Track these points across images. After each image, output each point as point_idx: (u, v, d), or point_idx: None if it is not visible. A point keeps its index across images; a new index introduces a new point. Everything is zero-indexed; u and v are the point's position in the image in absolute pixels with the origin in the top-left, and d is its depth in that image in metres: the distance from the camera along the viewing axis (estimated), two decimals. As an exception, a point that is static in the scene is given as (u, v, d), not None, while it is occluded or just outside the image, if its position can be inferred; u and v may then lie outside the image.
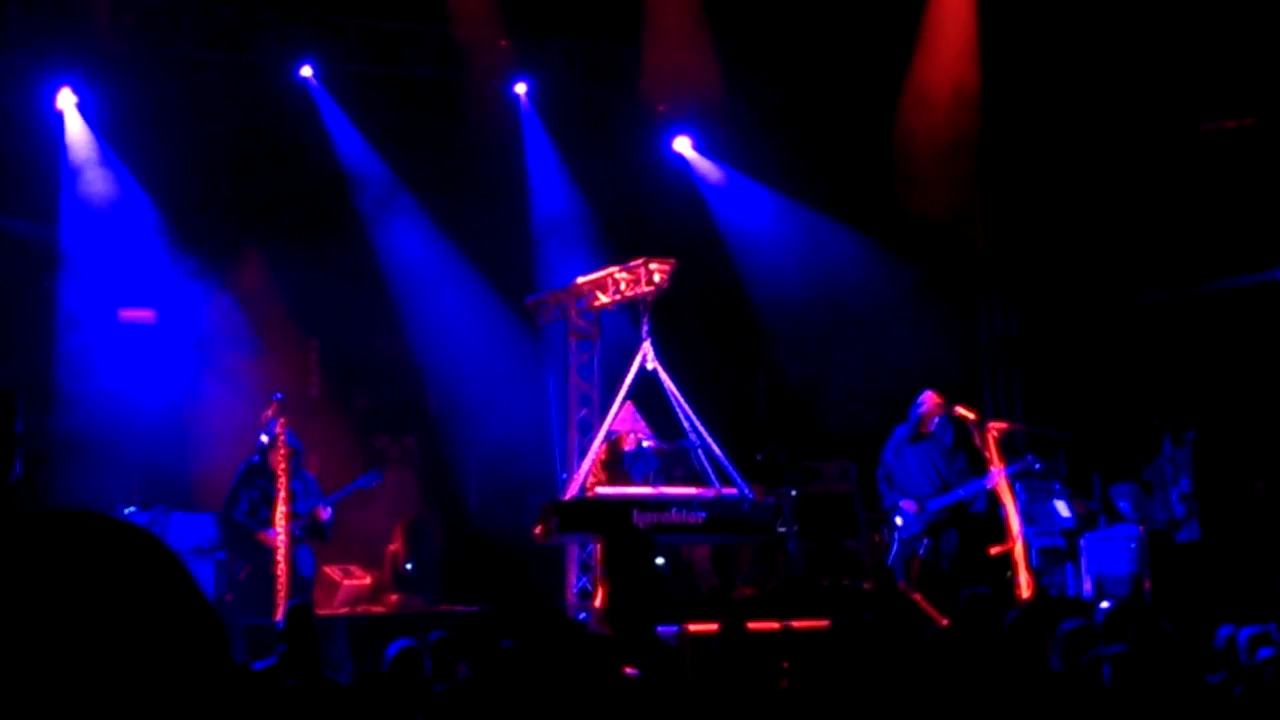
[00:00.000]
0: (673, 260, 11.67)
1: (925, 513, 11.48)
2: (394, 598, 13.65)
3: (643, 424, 12.55)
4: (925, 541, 11.47)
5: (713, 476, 11.50)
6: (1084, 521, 13.01)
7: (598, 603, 11.68)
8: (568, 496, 11.26)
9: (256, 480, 11.37)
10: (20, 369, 13.19)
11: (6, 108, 13.49)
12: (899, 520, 11.68)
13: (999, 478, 11.39)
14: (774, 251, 16.12)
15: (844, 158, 15.66)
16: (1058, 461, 13.62)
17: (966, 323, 16.51)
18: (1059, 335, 15.57)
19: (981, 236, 16.05)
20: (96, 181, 14.04)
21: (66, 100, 13.85)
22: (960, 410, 11.68)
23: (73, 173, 13.97)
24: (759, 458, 13.99)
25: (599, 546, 11.70)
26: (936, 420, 11.60)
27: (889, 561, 12.06)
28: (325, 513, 11.48)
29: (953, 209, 15.39)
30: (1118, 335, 14.88)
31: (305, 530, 11.39)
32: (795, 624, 9.72)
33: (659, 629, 9.11)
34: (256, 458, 11.45)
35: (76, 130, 13.98)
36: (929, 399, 11.68)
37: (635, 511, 10.83)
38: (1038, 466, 11.99)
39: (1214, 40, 13.55)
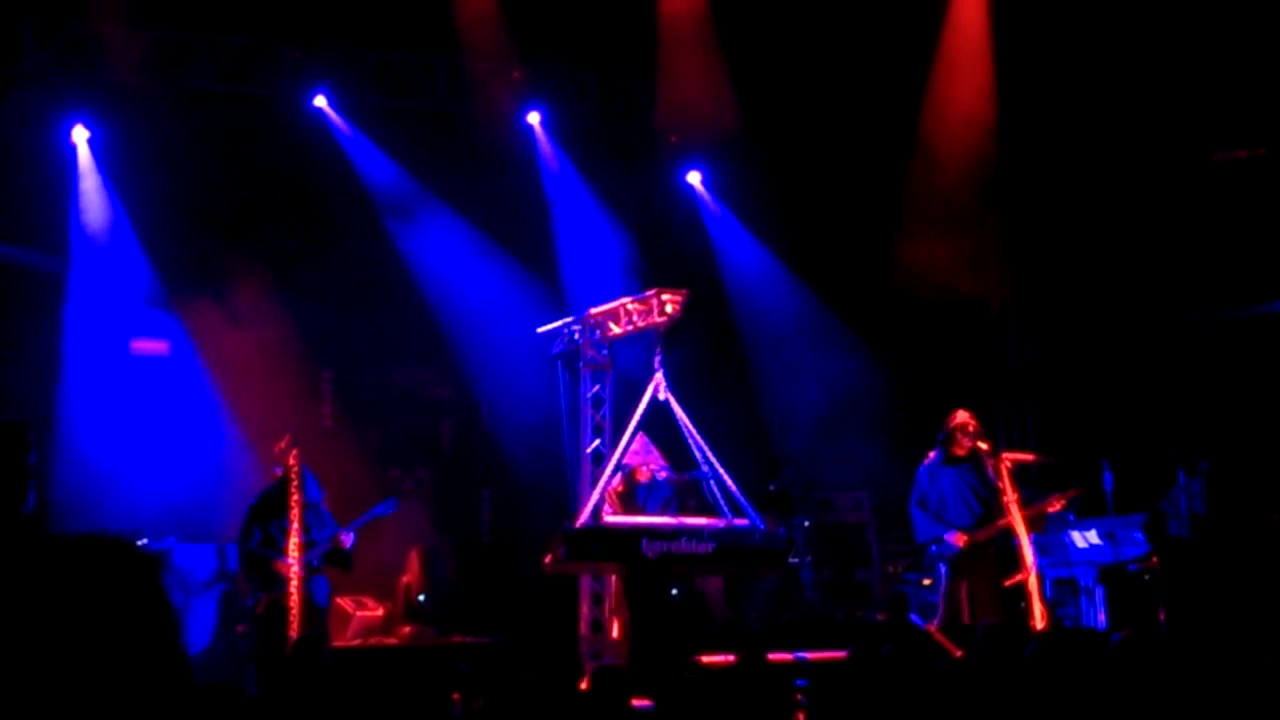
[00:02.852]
0: (685, 291, 11.67)
1: (972, 544, 11.09)
2: (407, 629, 13.64)
3: (656, 454, 12.54)
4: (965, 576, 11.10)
5: (724, 507, 11.47)
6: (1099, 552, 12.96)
7: (613, 634, 11.66)
8: (577, 526, 11.23)
9: (273, 513, 11.36)
10: (33, 400, 13.22)
11: (22, 142, 13.56)
12: (944, 554, 11.21)
13: (1055, 503, 11.34)
14: (783, 282, 16.17)
15: (856, 190, 15.69)
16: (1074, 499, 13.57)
17: (981, 353, 16.49)
18: (1073, 366, 15.55)
19: (997, 269, 16.07)
20: (107, 213, 14.11)
21: (80, 135, 13.95)
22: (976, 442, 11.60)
23: (85, 205, 14.05)
24: (772, 488, 13.98)
25: (613, 578, 11.68)
26: (971, 445, 11.21)
27: (935, 597, 11.76)
28: (348, 539, 11.46)
29: (969, 243, 15.45)
30: (1132, 365, 14.85)
31: (325, 559, 11.37)
32: (809, 655, 9.69)
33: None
34: (271, 488, 11.43)
35: (87, 163, 14.06)
36: (958, 415, 11.36)
37: (644, 541, 10.80)
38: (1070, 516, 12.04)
39: (1226, 70, 13.58)
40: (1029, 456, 12.83)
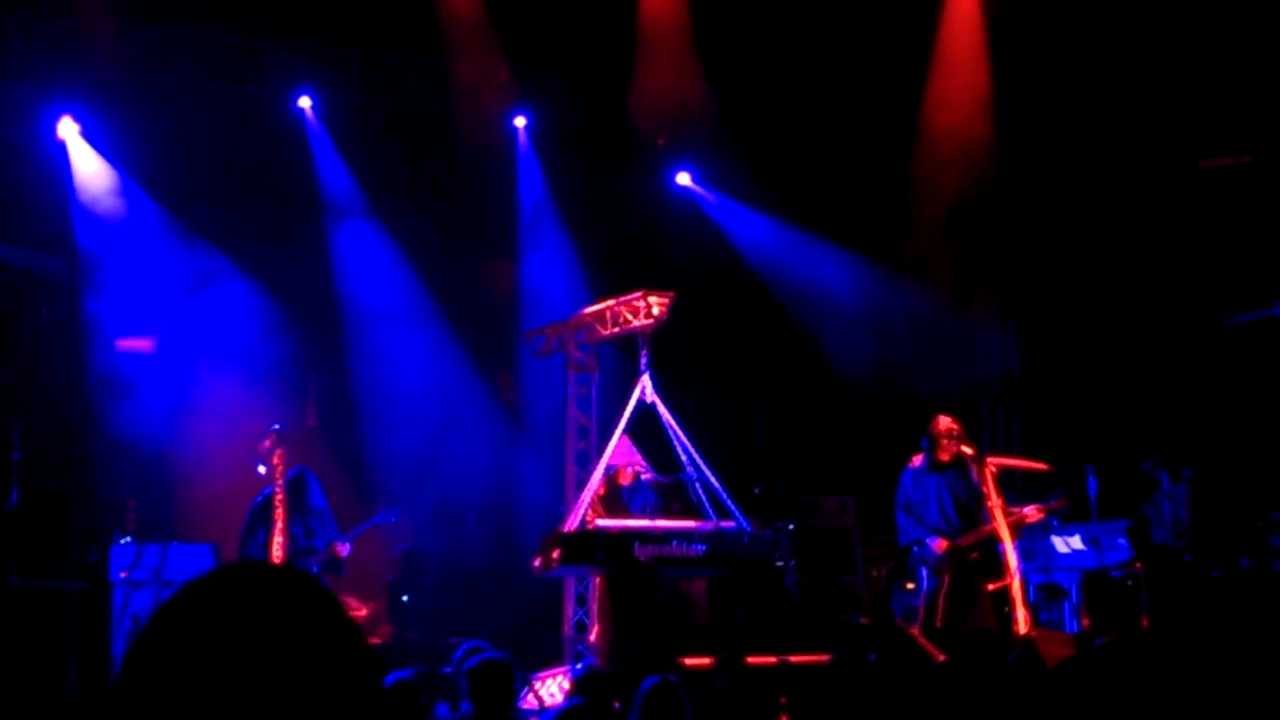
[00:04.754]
0: (671, 293, 11.69)
1: (953, 550, 11.09)
2: (390, 629, 13.61)
3: (639, 457, 12.53)
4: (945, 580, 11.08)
5: (710, 510, 11.47)
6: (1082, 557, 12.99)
7: (594, 636, 11.65)
8: (567, 529, 11.23)
9: (272, 516, 11.32)
10: (17, 397, 13.17)
11: (8, 138, 13.50)
12: (924, 557, 11.20)
13: (1034, 514, 11.38)
14: (773, 285, 16.18)
15: (844, 192, 15.70)
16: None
17: (967, 359, 16.50)
18: (1059, 372, 15.58)
19: (983, 274, 16.11)
20: (100, 210, 14.07)
21: (69, 129, 13.88)
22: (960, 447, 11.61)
23: (76, 202, 14.00)
24: (757, 491, 13.98)
25: (597, 580, 11.67)
26: (956, 450, 11.25)
27: (918, 601, 11.77)
28: (344, 549, 11.43)
29: (956, 249, 15.49)
30: (1117, 372, 14.88)
31: (322, 565, 11.34)
32: (792, 659, 9.69)
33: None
34: (271, 489, 11.40)
35: (82, 159, 14.00)
36: (941, 421, 11.40)
37: (636, 544, 10.81)
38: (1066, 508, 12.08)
39: (1212, 78, 13.62)
40: (1026, 463, 12.81)
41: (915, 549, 11.16)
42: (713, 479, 11.48)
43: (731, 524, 11.38)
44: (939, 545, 10.93)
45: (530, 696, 10.23)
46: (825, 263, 16.00)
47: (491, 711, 6.39)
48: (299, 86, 14.63)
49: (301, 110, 14.74)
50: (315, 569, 11.24)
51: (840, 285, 15.94)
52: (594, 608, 11.87)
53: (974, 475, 11.16)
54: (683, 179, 16.32)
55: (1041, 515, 11.83)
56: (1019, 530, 11.45)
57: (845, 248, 15.94)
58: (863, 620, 13.03)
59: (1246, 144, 13.79)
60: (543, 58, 15.35)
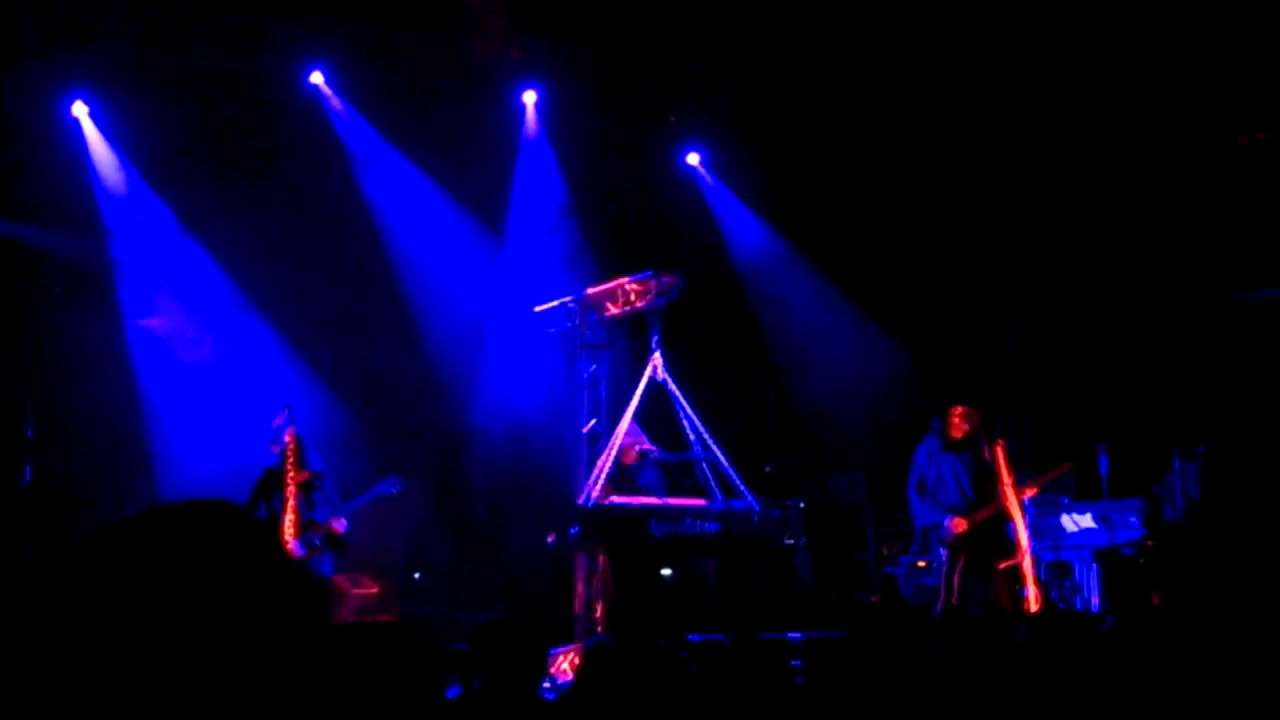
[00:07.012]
0: (683, 272, 11.70)
1: (970, 527, 11.26)
2: (402, 607, 13.67)
3: (643, 436, 12.55)
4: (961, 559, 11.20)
5: (717, 489, 11.49)
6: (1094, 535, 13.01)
7: (599, 613, 11.68)
8: (581, 505, 11.25)
9: (276, 488, 11.36)
10: (31, 376, 13.22)
11: (22, 118, 13.50)
12: (942, 537, 11.34)
13: (1044, 479, 11.47)
14: (779, 264, 16.18)
15: (852, 177, 15.66)
16: (1066, 476, 13.61)
17: (977, 338, 16.48)
18: (1069, 349, 15.56)
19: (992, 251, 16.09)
20: (113, 189, 14.09)
21: (80, 111, 13.90)
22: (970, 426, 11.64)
23: (91, 180, 14.02)
24: (768, 470, 14.00)
25: (603, 556, 11.70)
26: (969, 429, 11.43)
27: (929, 579, 11.86)
28: (340, 525, 11.47)
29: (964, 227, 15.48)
30: (1128, 349, 14.87)
31: (324, 540, 11.39)
32: (802, 636, 9.71)
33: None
34: (276, 463, 11.43)
35: (94, 140, 14.03)
36: (956, 405, 11.55)
37: (652, 522, 10.86)
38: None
39: (1223, 55, 13.55)
40: (1025, 442, 12.82)
41: (933, 532, 11.30)
42: (722, 458, 11.50)
43: (742, 503, 11.41)
44: (957, 525, 11.08)
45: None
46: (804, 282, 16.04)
47: (505, 687, 6.31)
48: (310, 63, 14.58)
49: (314, 87, 14.69)
50: (319, 541, 11.29)
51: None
52: (599, 584, 11.89)
53: (986, 454, 11.27)
54: (692, 159, 16.29)
55: (1050, 478, 11.94)
56: (1060, 485, 11.61)
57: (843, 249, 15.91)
58: (873, 598, 13.05)
59: (1259, 121, 13.75)
60: (555, 31, 15.28)
